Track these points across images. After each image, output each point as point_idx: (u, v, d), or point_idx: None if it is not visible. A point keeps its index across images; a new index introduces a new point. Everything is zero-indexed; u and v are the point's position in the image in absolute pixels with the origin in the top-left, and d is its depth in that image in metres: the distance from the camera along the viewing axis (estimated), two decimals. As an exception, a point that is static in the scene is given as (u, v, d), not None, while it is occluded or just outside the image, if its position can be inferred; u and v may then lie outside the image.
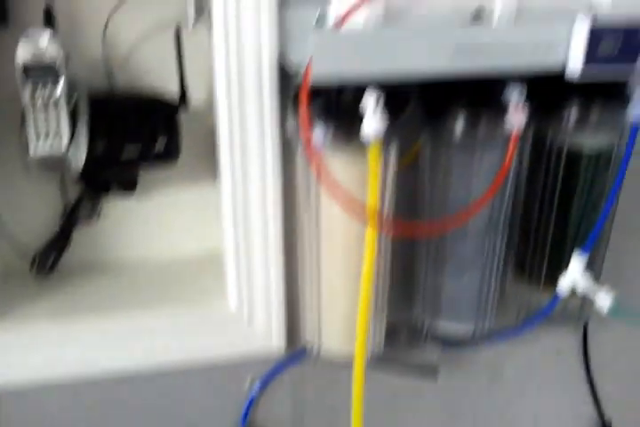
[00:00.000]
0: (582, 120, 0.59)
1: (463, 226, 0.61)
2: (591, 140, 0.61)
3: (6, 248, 0.68)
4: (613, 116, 0.59)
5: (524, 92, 0.54)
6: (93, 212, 0.70)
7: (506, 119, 0.54)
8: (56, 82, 0.59)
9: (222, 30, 0.55)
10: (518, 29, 0.52)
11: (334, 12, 0.50)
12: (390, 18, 0.50)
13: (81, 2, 0.63)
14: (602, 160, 0.62)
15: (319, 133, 0.52)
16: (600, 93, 0.58)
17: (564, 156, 0.61)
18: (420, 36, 0.49)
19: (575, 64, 0.52)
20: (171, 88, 0.65)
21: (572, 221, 0.64)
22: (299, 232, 0.63)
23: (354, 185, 0.54)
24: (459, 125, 0.56)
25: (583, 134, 0.60)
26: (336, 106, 0.52)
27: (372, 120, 0.49)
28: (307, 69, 0.47)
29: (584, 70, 0.52)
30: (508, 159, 0.55)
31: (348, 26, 0.48)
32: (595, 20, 0.51)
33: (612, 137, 0.61)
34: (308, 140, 0.51)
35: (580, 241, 0.64)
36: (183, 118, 0.64)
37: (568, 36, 0.52)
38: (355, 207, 0.54)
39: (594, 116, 0.59)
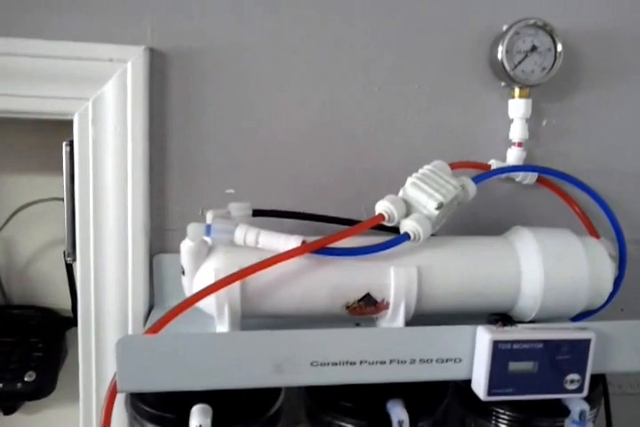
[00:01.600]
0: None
1: None
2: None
3: None
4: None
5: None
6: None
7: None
8: None
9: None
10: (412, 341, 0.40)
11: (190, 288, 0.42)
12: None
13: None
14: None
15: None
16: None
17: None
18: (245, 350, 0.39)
19: (478, 385, 0.40)
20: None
21: None
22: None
23: None
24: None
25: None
26: (170, 409, 0.41)
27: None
28: (113, 378, 0.38)
29: (490, 393, 0.40)
30: None
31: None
32: (498, 334, 0.39)
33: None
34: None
35: None
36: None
37: (470, 351, 0.40)
38: None
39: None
